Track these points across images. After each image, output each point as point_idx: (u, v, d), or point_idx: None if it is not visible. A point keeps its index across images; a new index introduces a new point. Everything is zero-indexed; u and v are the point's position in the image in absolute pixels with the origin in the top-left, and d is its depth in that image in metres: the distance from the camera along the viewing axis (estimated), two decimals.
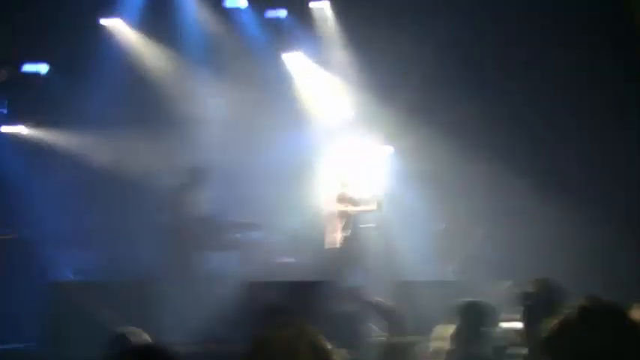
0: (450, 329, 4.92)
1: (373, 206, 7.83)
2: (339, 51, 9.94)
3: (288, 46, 10.01)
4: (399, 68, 9.18)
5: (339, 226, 7.73)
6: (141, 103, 9.54)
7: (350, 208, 7.77)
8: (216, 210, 8.70)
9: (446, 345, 4.83)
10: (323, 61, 10.01)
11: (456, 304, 4.87)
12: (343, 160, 8.45)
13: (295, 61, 10.05)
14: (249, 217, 9.01)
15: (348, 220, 7.76)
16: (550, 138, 9.04)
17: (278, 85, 9.80)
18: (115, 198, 9.29)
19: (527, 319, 4.88)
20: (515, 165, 8.72)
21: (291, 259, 8.65)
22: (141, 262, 7.85)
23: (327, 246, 7.74)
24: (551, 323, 2.42)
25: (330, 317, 4.87)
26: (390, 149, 9.31)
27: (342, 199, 7.83)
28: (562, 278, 4.86)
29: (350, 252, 7.65)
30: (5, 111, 9.99)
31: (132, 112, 9.46)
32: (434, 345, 4.89)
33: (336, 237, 7.70)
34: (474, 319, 4.80)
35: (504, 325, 5.11)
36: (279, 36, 10.01)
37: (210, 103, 9.77)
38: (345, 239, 7.69)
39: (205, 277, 7.95)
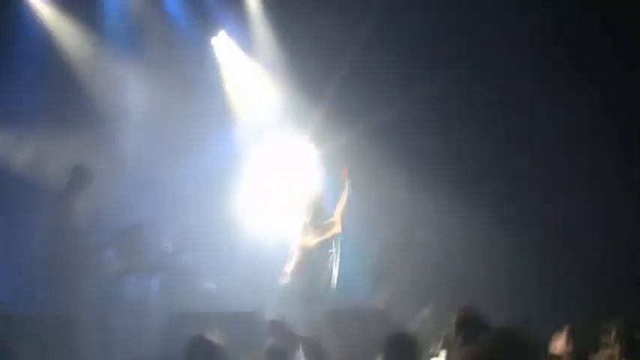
0: None
1: (338, 229, 7.64)
2: (265, 39, 9.95)
3: (215, 30, 9.89)
4: (325, 61, 9.17)
5: (298, 256, 7.53)
6: (56, 93, 9.19)
7: (312, 241, 7.57)
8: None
9: None
10: (250, 49, 10.00)
11: (382, 337, 5.07)
12: (271, 171, 8.44)
13: (222, 48, 9.98)
14: (169, 233, 8.71)
15: (306, 253, 7.56)
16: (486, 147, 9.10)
17: (204, 75, 9.66)
18: (28, 206, 8.62)
19: (448, 349, 5.15)
20: (444, 175, 8.80)
21: (214, 285, 8.54)
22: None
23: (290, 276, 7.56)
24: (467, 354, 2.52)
25: (258, 352, 5.03)
26: (317, 152, 9.23)
27: (306, 230, 7.60)
28: (484, 302, 5.16)
29: (300, 287, 7.51)
30: None
31: (46, 103, 9.10)
32: None
33: (296, 268, 7.55)
34: (398, 353, 5.01)
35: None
36: (206, 19, 9.84)
37: (132, 95, 9.65)
38: (299, 273, 7.53)
39: (124, 307, 7.70)
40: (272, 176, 8.58)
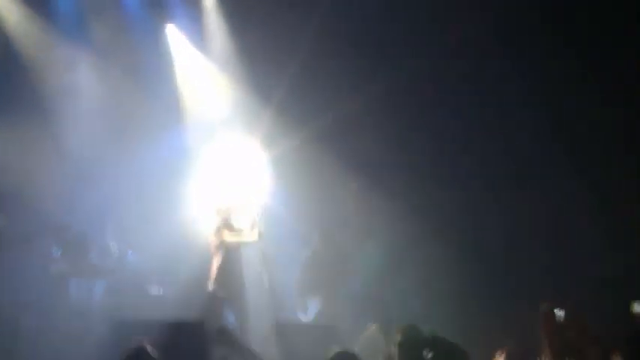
0: None
1: (254, 236, 7.65)
2: (219, 33, 9.89)
3: (169, 22, 9.80)
4: (276, 60, 9.13)
5: (217, 259, 7.58)
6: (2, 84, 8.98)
7: (228, 239, 7.61)
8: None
9: None
10: (203, 44, 9.93)
11: (325, 355, 5.12)
12: (219, 173, 8.41)
13: (175, 41, 9.88)
14: (114, 233, 8.61)
15: (226, 254, 7.59)
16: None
17: (156, 67, 9.56)
18: None
19: None
20: (396, 182, 8.80)
21: (160, 291, 8.48)
22: None
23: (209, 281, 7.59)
24: None
25: None
26: (265, 156, 9.16)
27: (220, 230, 7.65)
28: (427, 320, 5.25)
29: (226, 290, 7.52)
30: None
31: None
32: None
33: (212, 274, 7.57)
34: None
35: None
36: (161, 9, 9.77)
37: (79, 83, 9.46)
38: (222, 275, 7.55)
39: (66, 310, 7.60)
40: (220, 178, 8.53)
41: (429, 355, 4.70)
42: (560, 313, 4.83)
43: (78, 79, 9.38)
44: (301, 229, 8.81)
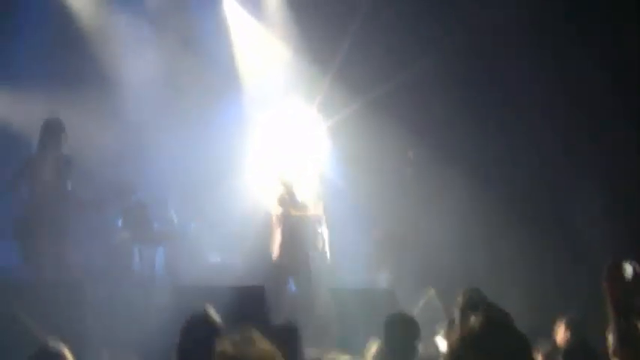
0: (374, 346, 5.34)
1: (317, 210, 7.89)
2: (276, 2, 10.02)
3: None
4: (334, 25, 9.26)
5: (279, 231, 7.80)
6: (64, 56, 9.32)
7: (293, 213, 7.80)
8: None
9: None
10: (259, 13, 10.05)
11: (382, 318, 5.25)
12: (277, 142, 8.60)
13: (232, 12, 10.06)
14: (173, 202, 8.85)
15: (289, 226, 7.81)
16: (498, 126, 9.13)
17: (213, 39, 9.79)
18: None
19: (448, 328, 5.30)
20: (455, 155, 8.85)
21: (220, 259, 8.77)
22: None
23: (272, 252, 7.84)
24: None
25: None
26: (324, 125, 9.29)
27: (282, 203, 7.85)
28: (487, 287, 5.34)
29: (290, 259, 7.76)
30: None
31: (53, 67, 9.22)
32: None
33: (275, 243, 7.82)
34: (398, 335, 5.09)
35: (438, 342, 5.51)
36: None
37: (139, 59, 9.71)
38: (284, 246, 7.78)
39: (128, 277, 7.91)
40: (279, 147, 8.73)
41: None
42: (628, 268, 4.49)
43: (136, 48, 9.58)
44: (359, 200, 8.88)
